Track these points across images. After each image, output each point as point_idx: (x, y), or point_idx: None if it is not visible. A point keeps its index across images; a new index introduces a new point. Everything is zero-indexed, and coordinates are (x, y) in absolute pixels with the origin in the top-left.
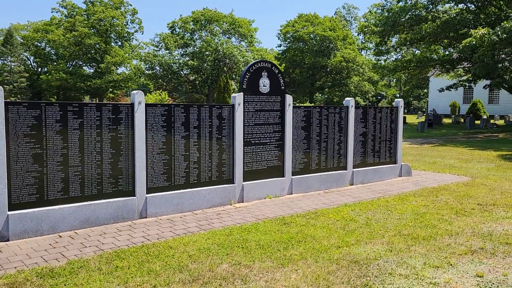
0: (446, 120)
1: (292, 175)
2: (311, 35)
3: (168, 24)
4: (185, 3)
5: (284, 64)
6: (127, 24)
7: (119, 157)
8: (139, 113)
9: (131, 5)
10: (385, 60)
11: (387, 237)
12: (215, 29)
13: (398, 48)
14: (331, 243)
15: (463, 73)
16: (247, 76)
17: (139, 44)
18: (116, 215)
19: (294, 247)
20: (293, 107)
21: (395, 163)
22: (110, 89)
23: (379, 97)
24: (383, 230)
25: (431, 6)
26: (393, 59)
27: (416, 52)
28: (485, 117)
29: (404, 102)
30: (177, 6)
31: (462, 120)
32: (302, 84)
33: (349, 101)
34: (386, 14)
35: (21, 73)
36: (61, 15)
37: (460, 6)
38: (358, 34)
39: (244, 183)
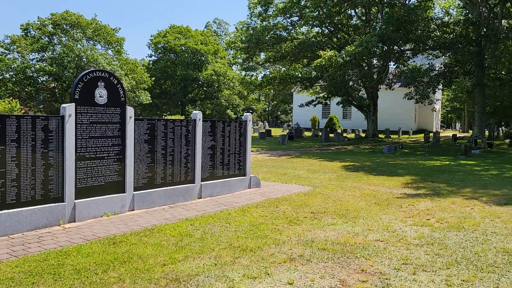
0: (307, 133)
1: (134, 190)
2: (183, 47)
3: (22, 25)
4: (43, 5)
5: (154, 76)
6: None
7: None
8: None
9: None
10: (253, 76)
11: (217, 251)
12: (78, 34)
13: (264, 65)
14: (157, 262)
15: (320, 91)
16: (80, 86)
17: None
18: None
19: (115, 269)
20: (136, 119)
21: (244, 175)
22: None
23: (250, 111)
24: (215, 244)
25: (290, 27)
26: (262, 75)
27: (283, 69)
28: (339, 131)
29: (273, 116)
30: (34, 8)
31: (320, 134)
32: (174, 95)
33: (196, 114)
34: (251, 32)
35: None
36: None
37: (316, 29)
38: (226, 50)
39: (76, 201)
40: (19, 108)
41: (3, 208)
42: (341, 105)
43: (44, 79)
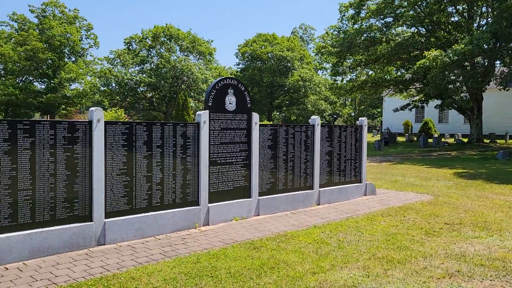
0: (400, 139)
1: (259, 195)
2: (269, 55)
3: (125, 39)
4: (139, 22)
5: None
6: (82, 39)
7: (75, 179)
8: (97, 131)
9: (85, 20)
10: (341, 80)
11: (362, 261)
12: (173, 46)
13: (355, 69)
14: (305, 269)
15: (415, 93)
16: (212, 93)
17: (93, 60)
18: (71, 242)
19: (267, 275)
20: (260, 125)
21: (360, 182)
22: (63, 106)
23: (334, 116)
24: (357, 253)
25: (385, 29)
26: (348, 79)
27: (370, 73)
28: (436, 135)
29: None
30: (130, 24)
31: (415, 139)
32: (261, 102)
33: (315, 120)
34: (343, 35)
35: None
36: (11, 29)
37: (412, 29)
38: (315, 55)
39: (209, 205)
40: (123, 116)
41: (149, 210)
42: (438, 108)
43: (143, 89)
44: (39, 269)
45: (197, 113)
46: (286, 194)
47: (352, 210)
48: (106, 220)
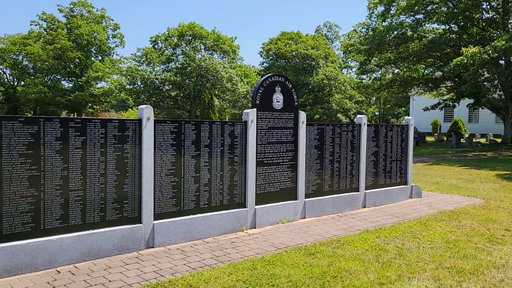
0: (428, 138)
1: (305, 197)
2: (294, 53)
3: (151, 37)
4: (164, 20)
5: None
6: (108, 38)
7: (125, 179)
8: (147, 130)
9: (112, 20)
10: (369, 79)
11: (430, 271)
12: (198, 44)
13: (382, 67)
14: (370, 279)
15: (446, 92)
16: (260, 91)
17: (120, 59)
18: (121, 245)
19: (331, 285)
20: (307, 124)
21: (406, 184)
22: (90, 104)
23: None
24: (421, 262)
25: (415, 26)
26: (373, 78)
27: (396, 71)
28: (467, 135)
29: (384, 120)
30: (156, 23)
31: (445, 138)
32: None
33: (362, 119)
34: (371, 33)
35: None
36: (40, 29)
37: (444, 26)
38: (344, 53)
39: (256, 207)
40: None
41: (197, 212)
42: (471, 107)
43: (168, 87)
44: (92, 273)
45: (245, 111)
46: (332, 196)
47: (401, 214)
48: (155, 222)
